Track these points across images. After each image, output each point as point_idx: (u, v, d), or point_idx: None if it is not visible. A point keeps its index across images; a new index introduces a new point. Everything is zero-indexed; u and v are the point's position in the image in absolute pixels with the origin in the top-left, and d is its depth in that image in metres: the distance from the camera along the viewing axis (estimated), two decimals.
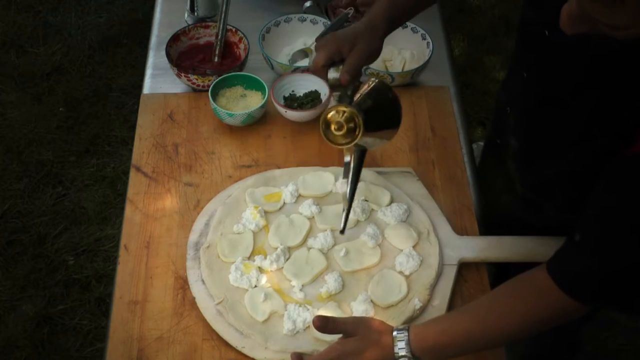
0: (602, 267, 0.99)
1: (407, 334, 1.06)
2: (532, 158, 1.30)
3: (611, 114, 1.07)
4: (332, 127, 1.10)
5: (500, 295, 1.09)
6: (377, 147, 1.24)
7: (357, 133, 1.09)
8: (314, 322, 1.09)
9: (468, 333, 1.07)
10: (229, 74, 1.53)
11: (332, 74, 1.19)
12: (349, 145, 1.11)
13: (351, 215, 1.33)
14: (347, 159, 1.22)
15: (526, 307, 1.04)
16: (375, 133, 1.15)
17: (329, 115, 1.10)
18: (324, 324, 1.09)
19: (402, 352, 1.05)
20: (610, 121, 1.08)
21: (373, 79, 1.21)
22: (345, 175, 1.22)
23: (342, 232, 1.22)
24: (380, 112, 1.17)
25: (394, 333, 1.06)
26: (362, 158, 1.20)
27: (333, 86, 1.20)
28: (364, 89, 1.16)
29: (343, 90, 1.18)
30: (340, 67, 1.18)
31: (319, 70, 1.20)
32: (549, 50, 1.12)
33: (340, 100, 1.14)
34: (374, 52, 1.21)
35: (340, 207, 1.35)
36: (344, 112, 1.09)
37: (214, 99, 1.49)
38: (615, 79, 1.04)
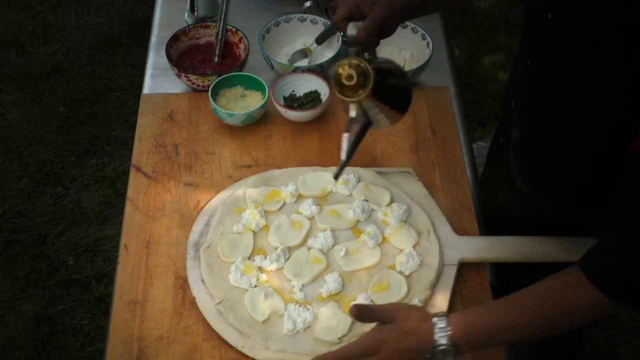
0: (633, 265, 0.98)
1: (447, 322, 1.02)
2: (531, 147, 1.28)
3: (612, 104, 1.07)
4: (343, 76, 1.08)
5: (537, 290, 1.06)
6: (379, 127, 1.23)
7: (365, 90, 1.07)
8: (351, 310, 1.05)
9: (509, 324, 1.05)
10: (229, 74, 1.53)
11: (351, 30, 1.18)
12: (354, 100, 1.10)
13: (351, 215, 1.34)
14: (352, 113, 1.17)
15: (561, 303, 1.03)
16: (382, 104, 1.14)
17: (343, 64, 1.09)
18: (360, 312, 1.06)
19: (442, 341, 1.01)
20: (611, 111, 1.07)
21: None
22: (347, 130, 1.19)
23: (335, 177, 1.22)
24: (392, 86, 1.16)
25: (434, 319, 1.02)
26: (365, 130, 1.18)
27: (351, 43, 1.19)
28: (384, 58, 1.16)
29: (360, 48, 1.17)
30: (360, 23, 1.18)
31: (339, 22, 1.20)
32: (551, 34, 1.12)
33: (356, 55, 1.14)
34: (395, 12, 1.18)
35: (340, 207, 1.36)
36: (359, 64, 1.08)
37: (214, 99, 1.49)
38: (617, 65, 1.03)
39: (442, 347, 1.01)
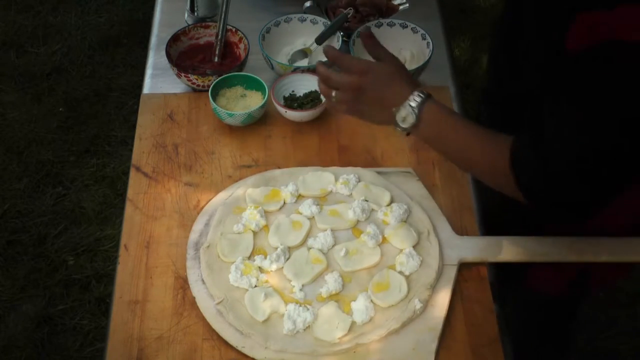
0: (545, 165, 1.03)
1: (425, 98, 1.14)
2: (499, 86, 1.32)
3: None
4: None
5: (484, 134, 1.14)
6: None
7: None
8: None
9: (453, 135, 1.16)
10: (229, 74, 1.53)
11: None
12: None
13: (351, 215, 1.34)
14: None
15: (489, 157, 1.12)
16: None
17: None
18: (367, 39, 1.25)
19: (413, 104, 1.13)
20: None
21: None
22: None
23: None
24: None
25: (417, 91, 1.14)
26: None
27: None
28: None
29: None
30: None
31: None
32: None
33: None
34: None
35: (340, 207, 1.36)
36: None
37: (214, 99, 1.49)
38: None
39: (410, 107, 1.14)
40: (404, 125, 1.16)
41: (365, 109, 1.20)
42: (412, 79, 1.19)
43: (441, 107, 1.15)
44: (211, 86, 1.50)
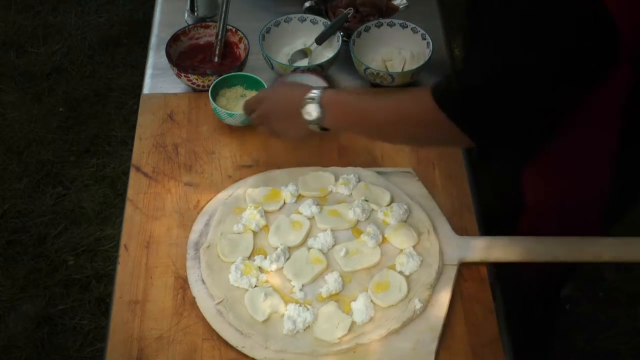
0: (464, 84, 1.09)
1: (323, 89, 1.24)
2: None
3: None
4: None
5: (397, 96, 1.21)
6: None
7: None
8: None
9: (366, 109, 1.23)
10: (229, 74, 1.53)
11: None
12: None
13: (351, 215, 1.34)
14: None
15: (406, 109, 1.18)
16: None
17: None
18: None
19: (313, 95, 1.22)
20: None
21: None
22: None
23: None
24: None
25: (313, 89, 1.24)
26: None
27: None
28: None
29: None
30: None
31: None
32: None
33: None
34: None
35: (340, 207, 1.36)
36: None
37: (214, 99, 1.49)
38: None
39: (310, 100, 1.22)
40: (312, 118, 1.22)
41: (279, 128, 1.33)
42: (306, 85, 1.29)
43: (339, 90, 1.26)
44: (211, 86, 1.50)
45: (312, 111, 1.22)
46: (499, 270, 1.32)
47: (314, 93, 1.23)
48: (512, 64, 1.03)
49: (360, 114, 1.23)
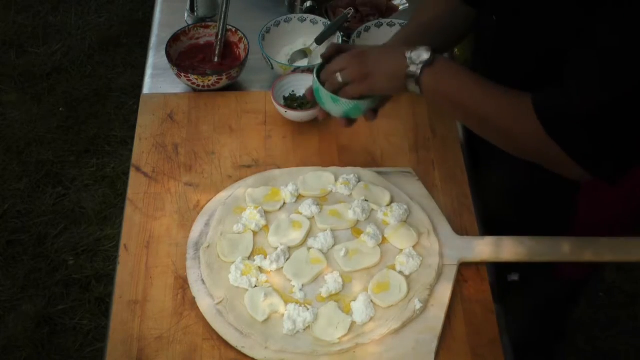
0: (575, 106, 1.04)
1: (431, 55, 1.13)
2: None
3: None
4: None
5: (496, 90, 1.13)
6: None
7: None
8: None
9: (468, 92, 1.15)
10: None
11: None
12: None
13: (351, 215, 1.34)
14: None
15: (506, 113, 1.12)
16: None
17: None
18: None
19: (424, 47, 1.13)
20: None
21: None
22: None
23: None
24: None
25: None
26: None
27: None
28: None
29: None
30: None
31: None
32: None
33: None
34: None
35: (340, 207, 1.36)
36: None
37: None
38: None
39: (423, 48, 1.13)
40: (422, 59, 1.13)
41: (374, 78, 1.17)
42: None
43: (450, 60, 1.16)
44: (316, 68, 1.27)
45: (421, 55, 1.13)
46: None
47: (425, 48, 1.13)
48: (627, 95, 1.01)
49: (459, 92, 1.15)
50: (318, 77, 1.25)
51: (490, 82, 1.14)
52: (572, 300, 1.76)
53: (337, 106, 1.24)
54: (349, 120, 1.28)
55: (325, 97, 1.24)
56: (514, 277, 1.36)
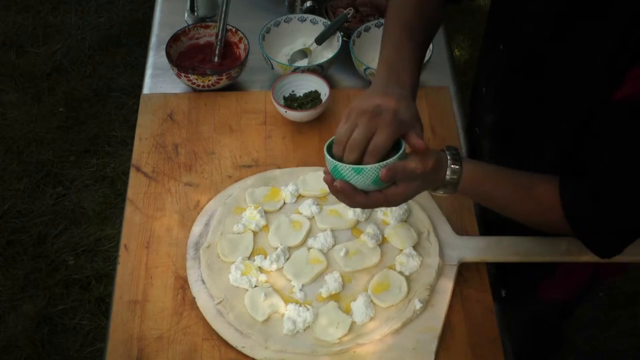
0: (603, 211, 1.08)
1: (460, 165, 1.13)
2: (507, 131, 1.31)
3: (589, 80, 1.08)
4: None
5: (523, 180, 1.16)
6: None
7: None
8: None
9: (498, 193, 1.17)
10: None
11: None
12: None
13: (351, 215, 1.34)
14: None
15: (533, 205, 1.15)
16: None
17: None
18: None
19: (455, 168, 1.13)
20: (588, 88, 1.08)
21: None
22: None
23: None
24: None
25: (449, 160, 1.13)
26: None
27: None
28: None
29: None
30: None
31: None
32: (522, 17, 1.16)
33: None
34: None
35: (340, 207, 1.36)
36: None
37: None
38: (584, 39, 1.05)
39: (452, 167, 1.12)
40: (453, 177, 1.12)
41: (419, 187, 1.12)
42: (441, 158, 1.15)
43: (477, 164, 1.17)
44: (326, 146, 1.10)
45: (455, 170, 1.12)
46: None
47: (454, 156, 1.13)
48: None
49: (488, 193, 1.18)
50: (330, 154, 1.06)
51: (515, 174, 1.16)
52: (564, 317, 1.75)
53: (362, 176, 1.04)
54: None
55: (347, 171, 1.04)
56: (502, 292, 1.37)
